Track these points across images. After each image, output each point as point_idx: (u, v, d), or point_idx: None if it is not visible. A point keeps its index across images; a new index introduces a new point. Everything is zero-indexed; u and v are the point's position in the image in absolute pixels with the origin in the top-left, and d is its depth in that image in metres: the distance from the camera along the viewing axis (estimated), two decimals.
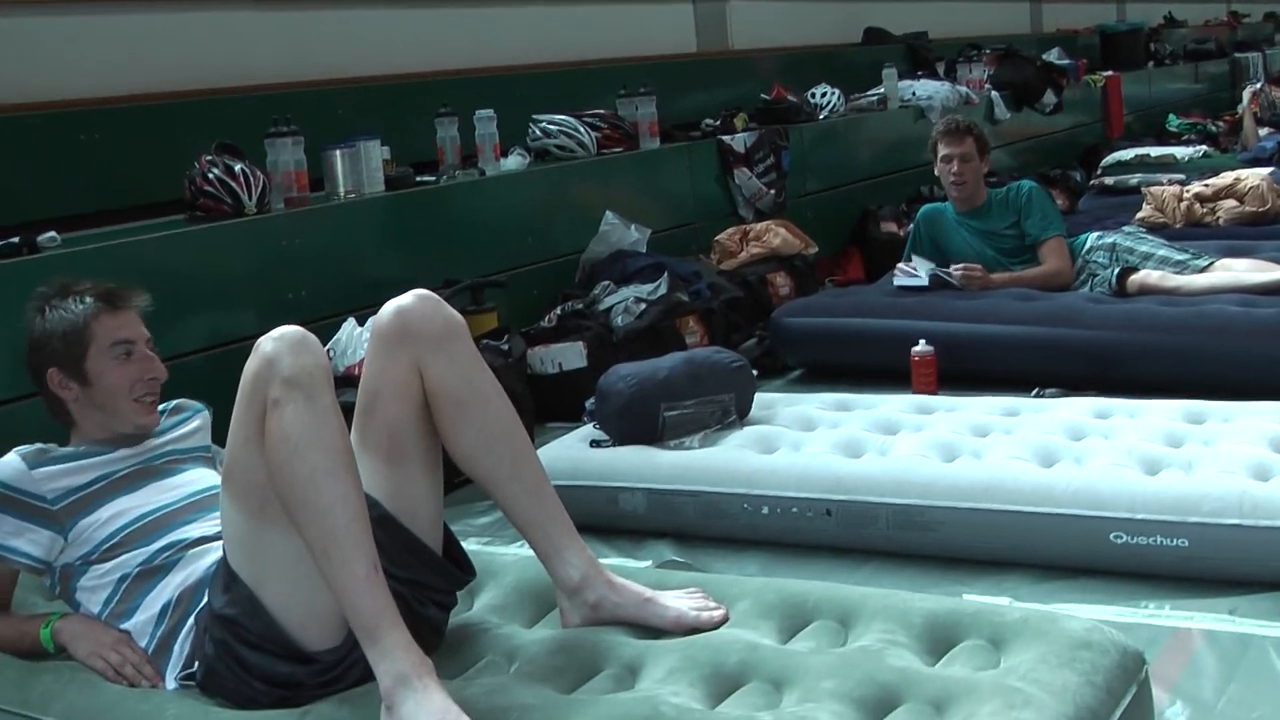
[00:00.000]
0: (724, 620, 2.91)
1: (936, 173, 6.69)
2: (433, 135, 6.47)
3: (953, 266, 6.39)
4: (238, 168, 5.36)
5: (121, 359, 3.17)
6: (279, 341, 2.71)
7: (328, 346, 5.12)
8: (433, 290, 3.05)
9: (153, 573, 3.00)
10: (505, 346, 5.64)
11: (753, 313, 6.91)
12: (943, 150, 6.52)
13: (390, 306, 2.95)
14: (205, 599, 2.88)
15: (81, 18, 5.85)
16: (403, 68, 7.20)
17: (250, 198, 5.35)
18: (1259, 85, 14.17)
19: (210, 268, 5.15)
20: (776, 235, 7.47)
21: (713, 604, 2.96)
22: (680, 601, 2.95)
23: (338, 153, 5.87)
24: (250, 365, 2.72)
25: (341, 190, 5.87)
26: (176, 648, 2.90)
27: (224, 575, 2.78)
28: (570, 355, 5.92)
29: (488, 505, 4.87)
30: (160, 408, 3.30)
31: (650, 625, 2.91)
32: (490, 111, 6.65)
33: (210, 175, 5.32)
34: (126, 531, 3.05)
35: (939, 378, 5.65)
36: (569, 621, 2.98)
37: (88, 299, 3.18)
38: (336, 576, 2.61)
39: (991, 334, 5.92)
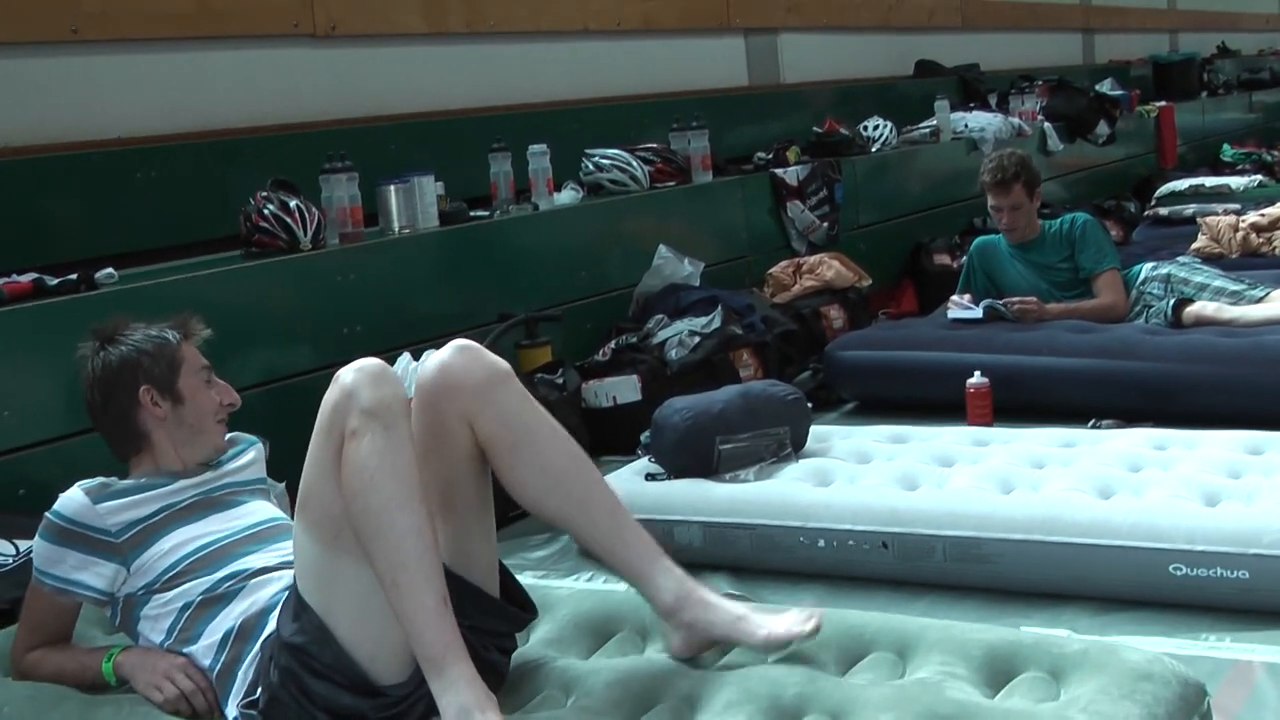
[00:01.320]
0: (817, 630, 2.86)
1: (993, 214, 6.69)
2: (486, 170, 6.50)
3: (1007, 300, 6.37)
4: (293, 204, 5.39)
5: (207, 383, 3.23)
6: (359, 373, 2.74)
7: None
8: (478, 336, 3.06)
9: (215, 601, 3.03)
10: (560, 380, 5.65)
11: (806, 346, 6.91)
12: (991, 200, 6.53)
13: (432, 363, 2.95)
14: (270, 627, 2.91)
15: (138, 56, 5.90)
16: (456, 103, 7.24)
17: (305, 233, 5.38)
18: None
19: (266, 304, 5.18)
20: (830, 268, 7.46)
21: (805, 617, 2.90)
22: (772, 620, 2.90)
23: (392, 188, 5.90)
24: (329, 396, 2.75)
25: (396, 226, 5.90)
26: (240, 674, 2.92)
27: (294, 604, 2.80)
28: (625, 389, 5.92)
29: (543, 539, 4.89)
30: None
31: (742, 644, 2.89)
32: (543, 146, 6.67)
33: (266, 211, 5.36)
34: (189, 560, 3.08)
35: (994, 410, 5.62)
36: (675, 648, 2.94)
37: (166, 329, 3.26)
38: (405, 607, 2.63)
39: (1047, 366, 5.91)
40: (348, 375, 2.74)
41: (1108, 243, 6.65)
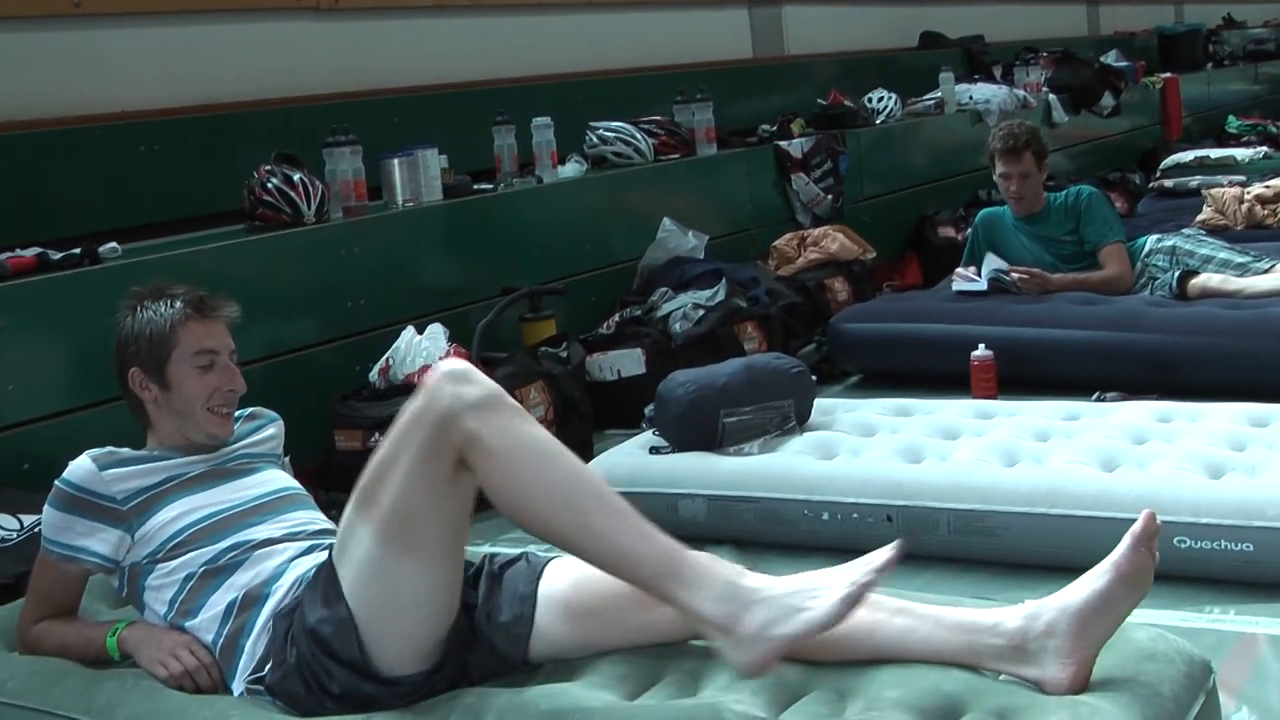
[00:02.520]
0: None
1: (995, 178, 6.67)
2: (490, 143, 6.49)
3: (1012, 270, 6.36)
4: (296, 177, 5.38)
5: (203, 368, 3.19)
6: (451, 380, 2.65)
7: (386, 355, 5.14)
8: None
9: (217, 572, 3.02)
10: (564, 353, 5.64)
11: (811, 318, 6.90)
12: (1000, 168, 6.48)
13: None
14: (275, 597, 2.92)
15: (141, 30, 5.89)
16: (460, 76, 7.22)
17: (309, 207, 5.37)
18: None
19: (269, 277, 5.18)
20: (834, 241, 7.45)
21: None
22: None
23: (396, 161, 5.89)
24: (426, 410, 2.65)
25: (400, 199, 5.89)
26: (247, 647, 2.91)
27: (326, 591, 2.76)
28: (629, 362, 5.92)
29: None
30: (236, 414, 3.33)
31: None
32: (547, 119, 6.65)
33: (269, 185, 5.35)
34: (192, 530, 3.07)
35: (999, 382, 5.61)
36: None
37: (178, 304, 3.21)
38: (611, 545, 2.62)
39: (1051, 338, 5.89)
40: (443, 387, 2.64)
41: (1113, 215, 6.63)
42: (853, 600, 2.53)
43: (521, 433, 2.65)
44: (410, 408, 2.69)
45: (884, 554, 2.60)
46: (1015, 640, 2.59)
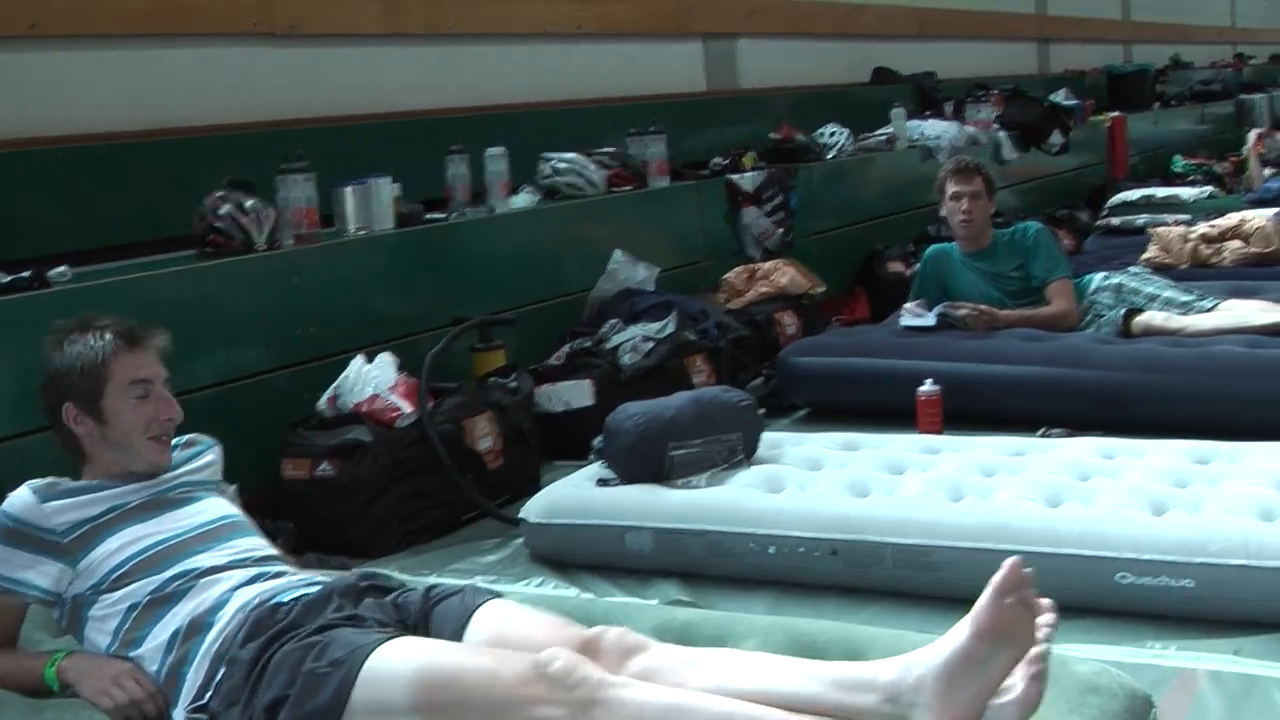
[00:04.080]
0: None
1: (943, 212, 6.72)
2: (443, 173, 6.47)
3: (959, 305, 6.39)
4: (248, 204, 5.35)
5: (139, 398, 3.17)
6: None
7: (335, 384, 5.12)
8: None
9: (162, 601, 3.00)
10: (513, 384, 5.63)
11: (760, 352, 6.91)
12: (952, 188, 6.52)
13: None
14: (219, 627, 2.91)
15: (98, 52, 5.86)
16: (414, 105, 7.21)
17: (260, 234, 5.34)
18: (1264, 128, 14.20)
19: (219, 304, 5.14)
20: (784, 274, 7.47)
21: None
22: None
23: (348, 189, 5.87)
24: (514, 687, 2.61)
25: (351, 227, 5.87)
26: (189, 676, 2.89)
27: (306, 687, 2.71)
28: (578, 393, 5.91)
29: (494, 543, 4.89)
30: (173, 441, 3.30)
31: None
32: (501, 149, 6.65)
33: (221, 211, 5.31)
34: (136, 560, 3.05)
35: (945, 417, 5.63)
36: None
37: (107, 335, 3.18)
38: None
39: (998, 374, 5.91)
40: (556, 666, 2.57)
41: (1059, 252, 6.68)
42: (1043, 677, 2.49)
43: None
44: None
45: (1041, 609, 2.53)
46: (890, 694, 2.51)
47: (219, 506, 3.29)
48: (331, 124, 6.67)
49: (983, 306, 6.36)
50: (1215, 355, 5.69)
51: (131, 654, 2.99)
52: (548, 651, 2.58)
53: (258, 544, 3.23)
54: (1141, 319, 6.15)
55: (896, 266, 8.76)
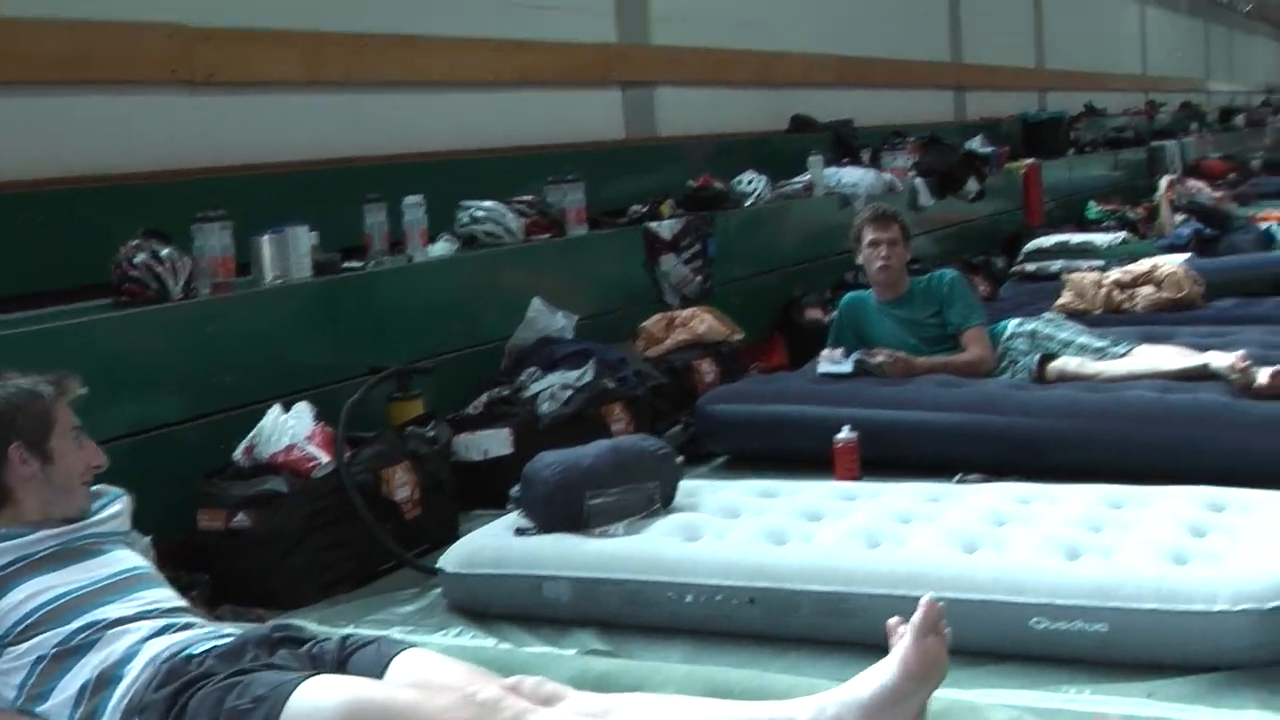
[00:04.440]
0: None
1: (860, 260, 6.77)
2: (360, 221, 6.46)
3: (874, 352, 6.43)
4: (164, 253, 5.32)
5: (78, 444, 3.18)
6: None
7: (251, 434, 5.09)
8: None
9: (70, 653, 2.97)
10: (431, 433, 5.62)
11: (678, 399, 6.93)
12: (869, 235, 6.59)
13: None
14: (129, 680, 2.88)
15: (12, 99, 5.81)
16: (331, 153, 7.19)
17: (176, 283, 5.32)
18: (1175, 175, 14.41)
19: (135, 354, 5.11)
20: (702, 322, 7.49)
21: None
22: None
23: (265, 238, 5.85)
24: None
25: (269, 276, 5.85)
26: None
27: None
28: (496, 442, 5.91)
29: (411, 593, 4.86)
30: None
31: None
32: (419, 197, 6.64)
33: (136, 260, 5.28)
34: (43, 611, 3.02)
35: (862, 464, 5.66)
36: None
37: (44, 382, 3.20)
38: None
39: (914, 421, 5.97)
40: None
41: (974, 298, 6.76)
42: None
43: None
44: None
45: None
46: None
47: (127, 558, 3.28)
48: (249, 172, 6.64)
49: (899, 353, 6.41)
50: (1128, 401, 5.77)
51: (38, 709, 2.95)
52: (476, 684, 2.60)
53: (166, 595, 3.21)
54: (1056, 365, 6.22)
55: (814, 313, 8.80)
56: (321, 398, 5.45)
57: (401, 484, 5.26)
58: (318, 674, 2.77)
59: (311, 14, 7.22)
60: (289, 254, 5.90)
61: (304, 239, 5.97)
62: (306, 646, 3.00)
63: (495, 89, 8.59)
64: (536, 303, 6.87)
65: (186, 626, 3.08)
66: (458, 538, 4.96)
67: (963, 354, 6.45)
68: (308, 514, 4.91)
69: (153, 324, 5.23)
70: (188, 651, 2.94)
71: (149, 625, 3.04)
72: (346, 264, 6.25)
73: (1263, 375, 5.65)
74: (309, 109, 7.25)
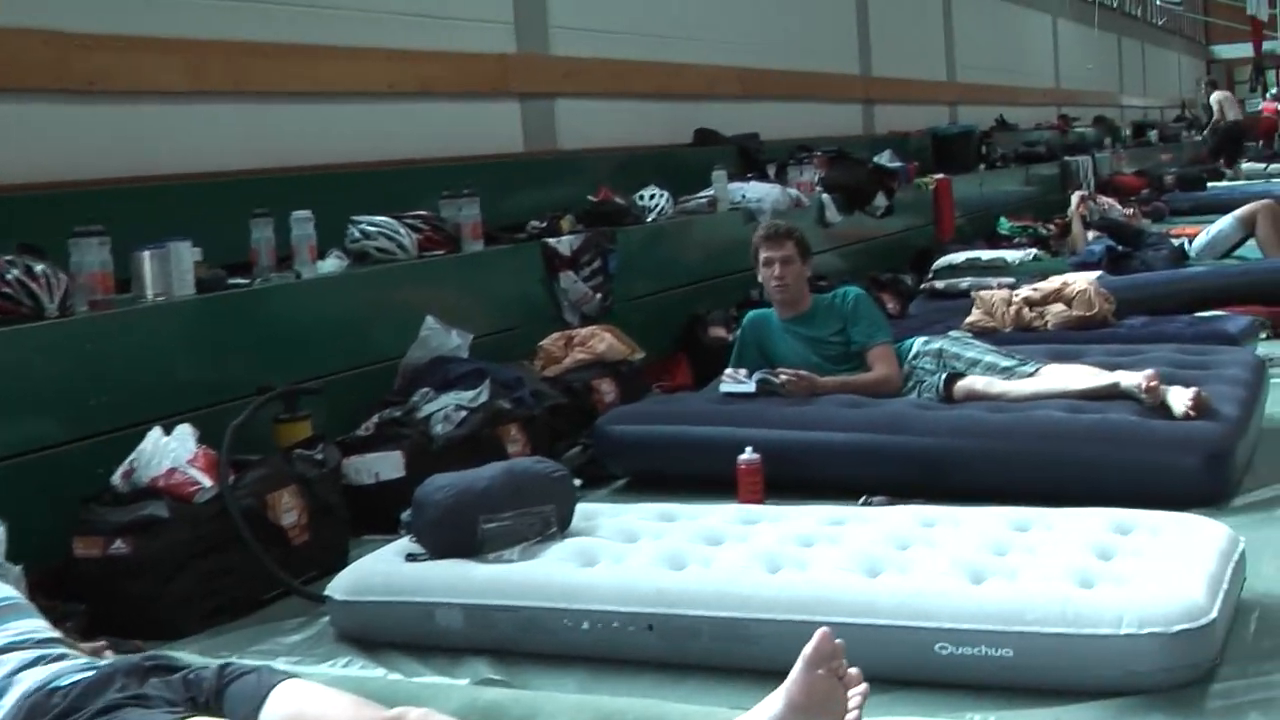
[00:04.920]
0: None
1: (760, 278, 6.81)
2: (247, 236, 6.42)
3: (777, 371, 6.47)
4: (39, 269, 5.26)
5: None
6: None
7: (130, 458, 5.04)
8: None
9: None
10: (319, 456, 5.59)
11: (577, 420, 6.93)
12: (764, 254, 6.65)
13: None
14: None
15: None
16: (216, 165, 7.14)
17: (51, 300, 5.26)
18: (1087, 190, 14.60)
19: (7, 373, 5.04)
20: (602, 340, 7.50)
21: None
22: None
23: (146, 254, 5.79)
24: None
25: (150, 293, 5.79)
26: None
27: None
28: (387, 465, 5.89)
29: (297, 623, 4.83)
30: None
31: None
32: (307, 212, 6.61)
33: (8, 276, 5.21)
34: None
35: (767, 486, 5.69)
36: None
37: None
38: None
39: (819, 441, 6.00)
40: None
41: (879, 316, 6.81)
42: None
43: None
44: None
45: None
46: None
47: None
48: (129, 185, 6.57)
49: (801, 372, 6.44)
50: (1036, 420, 5.84)
51: None
52: (360, 716, 2.59)
53: (38, 626, 3.18)
54: (963, 384, 6.28)
55: (718, 332, 8.84)
56: (205, 419, 5.41)
57: (288, 508, 5.23)
58: (188, 715, 2.74)
59: (198, 21, 7.17)
60: (171, 270, 5.85)
61: (187, 255, 5.92)
62: (181, 674, 2.97)
63: (389, 100, 8.56)
64: (430, 321, 6.85)
65: (59, 658, 3.04)
66: (347, 564, 4.93)
67: (868, 373, 6.50)
68: (189, 540, 4.87)
69: (27, 342, 5.16)
70: (53, 684, 2.90)
71: (20, 656, 3.00)
72: (232, 281, 6.21)
73: (1178, 402, 5.71)
74: (194, 119, 7.19)
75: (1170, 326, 8.11)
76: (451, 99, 9.18)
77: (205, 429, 5.28)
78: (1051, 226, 14.33)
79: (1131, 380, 5.95)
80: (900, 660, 3.95)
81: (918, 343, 6.65)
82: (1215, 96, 26.63)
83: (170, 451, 5.05)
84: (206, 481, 5.01)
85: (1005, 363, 6.44)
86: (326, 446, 5.70)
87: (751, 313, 6.99)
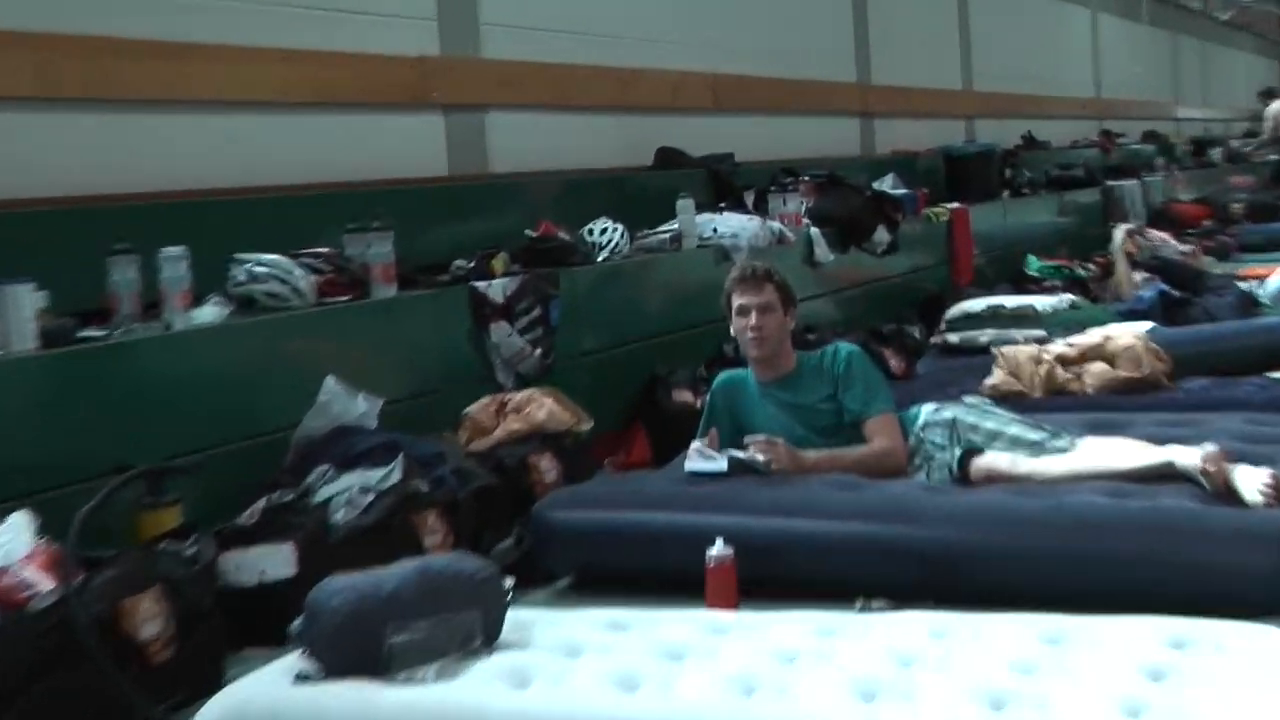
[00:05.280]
0: None
1: (733, 331, 6.78)
2: (104, 278, 6.38)
3: (750, 440, 6.44)
4: None
5: None
6: None
7: None
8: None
9: None
10: (190, 551, 5.54)
11: (510, 505, 6.88)
12: (737, 301, 6.63)
13: None
14: None
15: None
16: (68, 189, 7.11)
17: None
18: (1136, 223, 14.63)
19: None
20: (542, 407, 7.46)
21: None
22: None
23: None
24: None
25: None
26: None
27: None
28: (275, 561, 5.83)
29: None
30: None
31: None
32: (180, 248, 6.58)
33: None
34: None
35: (741, 587, 5.64)
36: None
37: None
38: None
39: (805, 532, 6.00)
40: None
41: (879, 379, 6.80)
42: None
43: None
44: None
45: None
46: None
47: None
48: None
49: (778, 440, 6.40)
50: (1073, 508, 5.82)
51: None
52: None
53: None
54: (981, 462, 6.25)
55: (684, 396, 8.82)
56: (47, 506, 5.34)
57: (149, 617, 5.16)
58: None
59: (46, 10, 7.15)
60: (8, 319, 5.82)
61: (27, 300, 5.89)
62: None
63: (283, 110, 8.54)
64: (330, 383, 6.81)
65: None
66: (222, 686, 4.88)
67: (865, 446, 6.46)
68: (23, 658, 4.79)
69: None
70: None
71: None
72: (83, 333, 6.17)
73: (1247, 486, 5.68)
74: (40, 132, 7.15)
75: (1238, 390, 8.13)
76: (359, 110, 9.18)
77: (47, 517, 5.21)
78: (1092, 266, 14.39)
79: (1190, 458, 5.94)
80: None
81: (927, 411, 6.63)
82: (1273, 108, 26.59)
83: (1, 547, 4.98)
84: (45, 584, 4.93)
85: (1034, 435, 6.42)
86: (199, 539, 5.64)
87: (724, 374, 6.98)
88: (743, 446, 6.49)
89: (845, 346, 6.84)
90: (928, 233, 13.58)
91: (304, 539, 5.92)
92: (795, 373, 6.66)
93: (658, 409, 8.89)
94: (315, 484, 6.27)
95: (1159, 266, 13.13)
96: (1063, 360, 8.43)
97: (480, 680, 4.50)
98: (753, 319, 6.61)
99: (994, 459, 6.26)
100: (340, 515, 6.08)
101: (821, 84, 15.21)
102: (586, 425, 7.68)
